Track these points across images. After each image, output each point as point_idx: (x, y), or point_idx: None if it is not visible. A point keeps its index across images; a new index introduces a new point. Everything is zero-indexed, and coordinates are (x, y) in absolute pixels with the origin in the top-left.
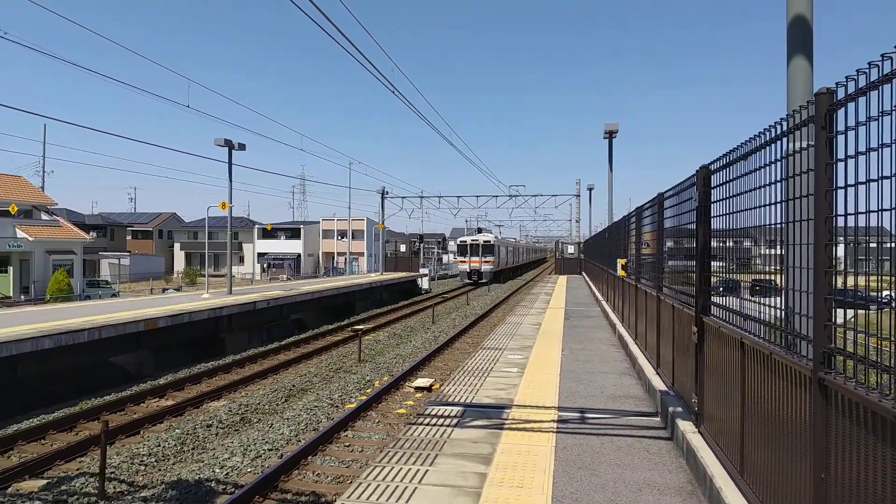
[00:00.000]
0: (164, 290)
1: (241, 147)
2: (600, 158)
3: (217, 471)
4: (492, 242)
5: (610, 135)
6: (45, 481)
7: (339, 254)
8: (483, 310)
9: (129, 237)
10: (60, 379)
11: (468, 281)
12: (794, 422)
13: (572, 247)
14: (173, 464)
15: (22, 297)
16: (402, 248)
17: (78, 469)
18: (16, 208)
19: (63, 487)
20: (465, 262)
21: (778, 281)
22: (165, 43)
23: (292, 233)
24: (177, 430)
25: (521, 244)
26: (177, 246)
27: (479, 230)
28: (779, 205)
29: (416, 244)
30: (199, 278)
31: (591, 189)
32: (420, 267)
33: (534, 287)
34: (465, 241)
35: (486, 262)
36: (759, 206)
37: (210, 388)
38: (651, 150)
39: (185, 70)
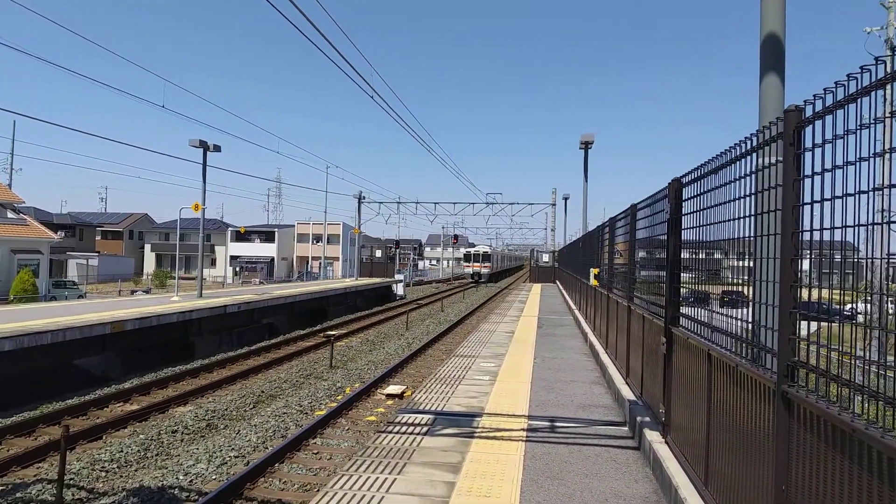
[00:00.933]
0: (133, 292)
1: (216, 149)
2: (577, 167)
3: (181, 477)
4: (489, 252)
5: (586, 146)
6: None
7: (314, 258)
8: (457, 317)
9: (98, 237)
10: (22, 382)
11: (472, 280)
12: (758, 434)
13: (547, 255)
14: (136, 470)
15: None
16: (378, 253)
17: (35, 475)
18: None
19: (18, 495)
20: (469, 266)
21: (746, 293)
22: (142, 42)
23: (266, 236)
24: (141, 436)
25: (505, 254)
26: (147, 247)
27: (456, 237)
28: (748, 218)
29: (392, 250)
30: (170, 280)
31: (566, 199)
32: (395, 273)
33: (508, 295)
34: (470, 251)
35: (484, 266)
36: (729, 220)
37: (177, 393)
38: (628, 159)
39: (161, 70)
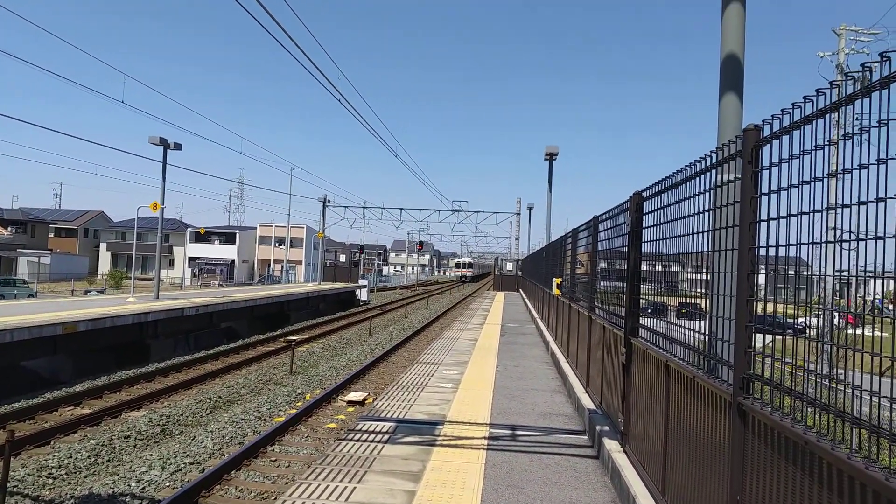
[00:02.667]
0: (86, 292)
1: (177, 147)
2: (543, 175)
3: (133, 485)
4: (471, 262)
5: (550, 157)
6: None
7: (276, 261)
8: (421, 323)
9: (51, 235)
10: None
11: (459, 280)
12: (714, 444)
13: (511, 264)
14: (85, 477)
15: None
16: (343, 258)
17: None
18: None
19: None
20: (459, 270)
21: (704, 306)
22: (99, 32)
23: (227, 238)
24: (91, 441)
25: (480, 263)
26: (103, 246)
27: (421, 244)
28: (706, 233)
29: (357, 255)
30: (125, 281)
31: (530, 208)
32: (360, 278)
33: (472, 303)
34: (460, 261)
35: (469, 271)
36: (688, 234)
37: (130, 397)
38: (595, 166)
39: (120, 64)
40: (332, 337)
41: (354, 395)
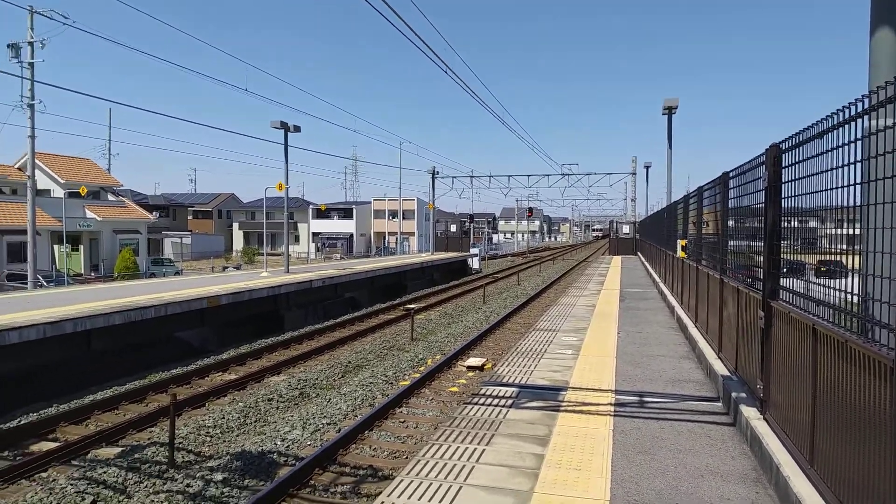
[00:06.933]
0: (224, 269)
1: (297, 129)
2: (656, 140)
3: (279, 443)
4: (605, 230)
5: (669, 110)
6: (119, 449)
7: (391, 233)
8: (535, 290)
9: (190, 217)
10: (130, 353)
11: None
12: (873, 413)
13: (627, 227)
14: (237, 435)
15: (92, 274)
16: (453, 227)
17: (149, 438)
18: (85, 190)
19: (136, 455)
20: (596, 233)
21: (853, 264)
22: (224, 30)
23: (345, 213)
24: (240, 404)
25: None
26: (235, 225)
27: (531, 210)
28: (858, 186)
29: (467, 224)
30: (258, 257)
31: (647, 167)
32: (471, 247)
33: (587, 268)
34: (597, 227)
35: (602, 236)
36: (836, 188)
37: (270, 364)
38: (708, 134)
39: (242, 55)
40: (448, 305)
41: (473, 361)
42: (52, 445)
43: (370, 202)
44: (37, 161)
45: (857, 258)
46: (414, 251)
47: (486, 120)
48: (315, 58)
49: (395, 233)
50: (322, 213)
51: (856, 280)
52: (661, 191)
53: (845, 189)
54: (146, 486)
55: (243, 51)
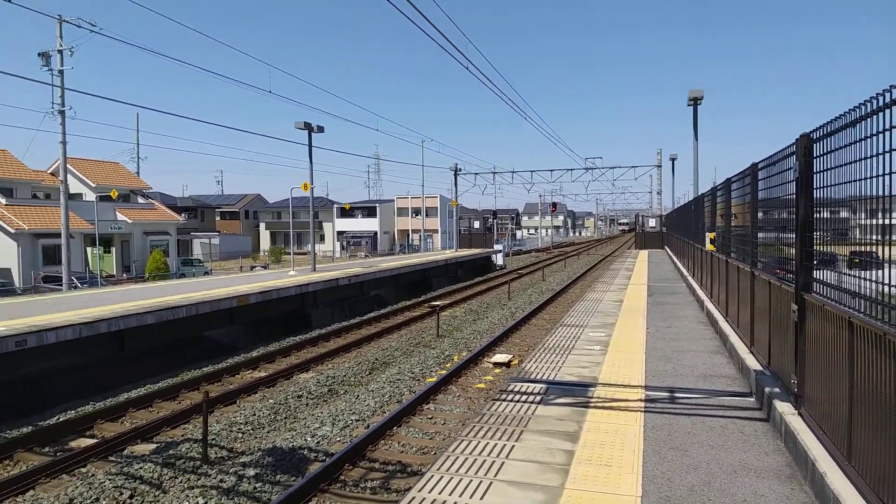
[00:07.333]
0: (252, 268)
1: (320, 129)
2: (681, 132)
3: (309, 439)
4: (630, 223)
5: (694, 102)
6: (154, 445)
7: (414, 231)
8: (560, 286)
9: (217, 218)
10: (162, 351)
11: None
12: None
13: (653, 220)
14: (268, 432)
15: (124, 275)
16: (476, 224)
17: (182, 435)
18: (116, 193)
19: (171, 452)
20: (622, 227)
21: (890, 256)
22: (248, 34)
23: (368, 211)
24: (270, 401)
25: (634, 221)
26: (262, 225)
27: (555, 205)
28: (893, 175)
29: (490, 220)
30: (284, 256)
31: (673, 159)
32: (494, 243)
33: (613, 262)
34: (623, 222)
35: (630, 229)
36: (871, 177)
37: (299, 361)
38: (734, 125)
39: (266, 58)
40: (473, 301)
41: (500, 357)
42: (90, 442)
43: (393, 200)
44: (69, 166)
45: (894, 249)
46: (437, 248)
47: (507, 115)
48: (340, 59)
49: (419, 230)
50: (346, 212)
51: (894, 271)
52: (688, 183)
53: (881, 178)
54: (181, 482)
55: (266, 53)
